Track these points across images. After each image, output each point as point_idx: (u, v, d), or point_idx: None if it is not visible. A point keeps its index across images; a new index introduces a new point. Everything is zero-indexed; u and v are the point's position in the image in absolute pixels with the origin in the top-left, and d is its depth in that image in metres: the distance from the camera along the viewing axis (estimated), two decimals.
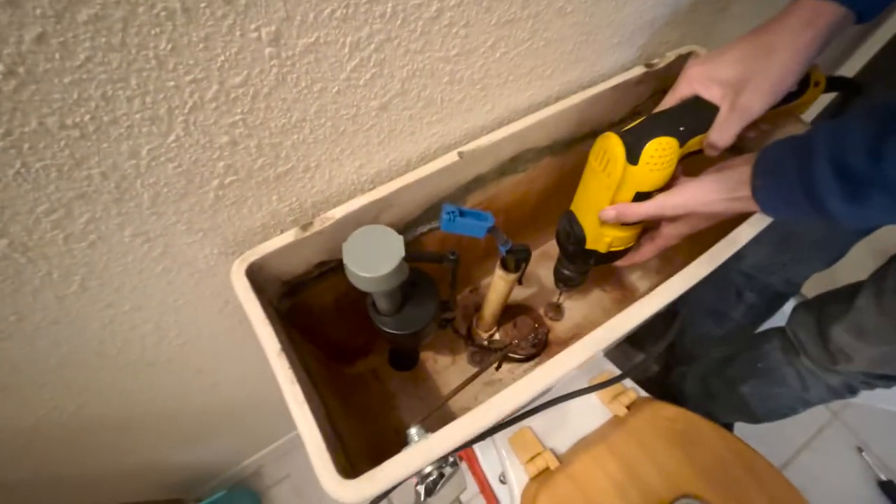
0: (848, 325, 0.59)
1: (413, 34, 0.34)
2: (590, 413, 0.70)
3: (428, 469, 0.34)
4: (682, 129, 0.40)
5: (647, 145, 0.39)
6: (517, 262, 0.51)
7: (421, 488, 0.34)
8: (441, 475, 0.35)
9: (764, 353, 0.75)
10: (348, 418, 0.52)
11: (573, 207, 0.50)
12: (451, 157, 0.45)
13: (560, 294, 0.70)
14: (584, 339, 0.38)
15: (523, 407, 0.59)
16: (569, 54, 0.48)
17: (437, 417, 0.59)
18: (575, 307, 0.78)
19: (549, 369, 0.37)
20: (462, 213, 0.44)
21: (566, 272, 0.58)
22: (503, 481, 0.74)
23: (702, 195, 0.39)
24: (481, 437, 0.57)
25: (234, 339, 0.52)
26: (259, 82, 0.30)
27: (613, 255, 0.51)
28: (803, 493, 0.56)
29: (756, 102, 0.38)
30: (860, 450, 1.07)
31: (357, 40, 0.32)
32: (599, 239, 0.48)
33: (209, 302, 0.45)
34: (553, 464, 0.65)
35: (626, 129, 0.41)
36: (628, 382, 0.73)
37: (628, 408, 0.69)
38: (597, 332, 0.39)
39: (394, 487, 0.32)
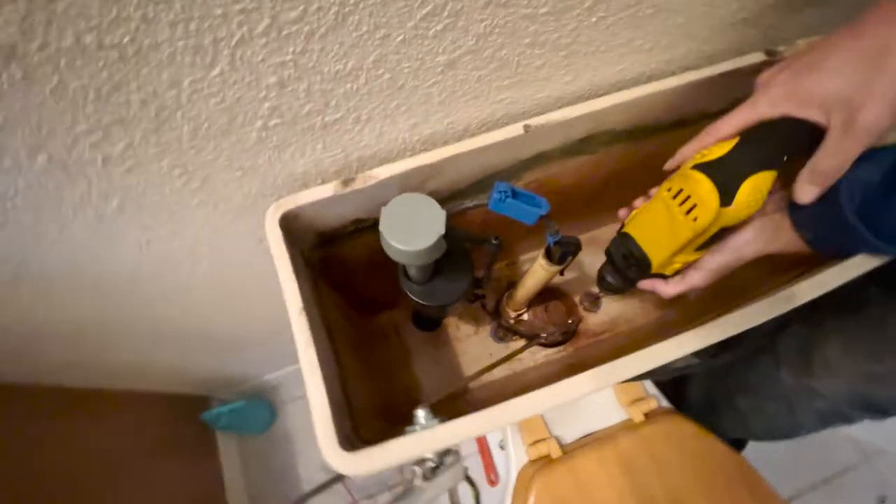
0: (843, 336, 0.54)
1: None
2: (604, 410, 0.68)
3: (428, 455, 0.33)
4: (786, 158, 0.33)
5: (745, 183, 0.33)
6: (563, 254, 0.48)
7: (418, 470, 0.34)
8: (441, 463, 0.34)
9: (755, 364, 0.71)
10: (363, 373, 0.52)
11: (632, 231, 0.44)
12: (516, 130, 0.40)
13: (600, 293, 0.66)
14: (621, 361, 0.35)
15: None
16: (678, 28, 0.40)
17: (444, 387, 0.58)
18: (613, 301, 0.74)
19: (578, 384, 0.34)
20: (515, 194, 0.40)
21: (612, 281, 0.53)
22: (503, 448, 0.75)
23: (744, 249, 0.38)
24: None
25: (265, 275, 0.52)
26: (316, 21, 0.26)
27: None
28: None
29: (885, 117, 0.31)
30: (882, 501, 1.01)
31: None
32: (668, 266, 0.43)
33: (244, 239, 0.45)
34: (556, 453, 0.64)
35: (713, 159, 0.34)
36: (651, 389, 0.70)
37: (646, 415, 0.66)
38: (631, 358, 0.35)
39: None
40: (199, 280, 0.49)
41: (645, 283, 0.48)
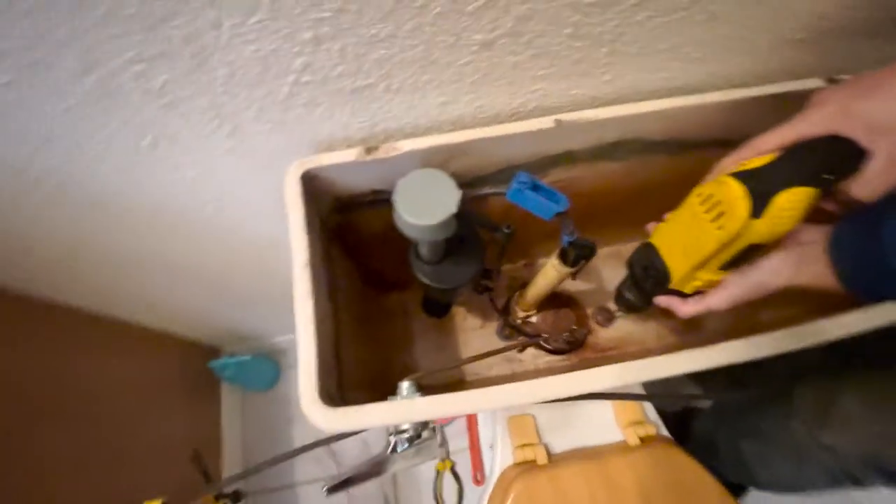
0: (863, 391, 0.51)
1: None
2: (599, 427, 0.67)
3: (405, 426, 0.34)
4: (826, 176, 0.32)
5: (779, 195, 0.31)
6: (577, 257, 0.47)
7: (393, 439, 0.34)
8: (418, 436, 0.35)
9: (767, 410, 0.67)
10: (361, 343, 0.53)
11: (656, 241, 0.43)
12: (547, 123, 0.40)
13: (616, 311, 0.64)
14: (622, 365, 0.34)
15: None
16: (732, 40, 0.39)
17: (438, 377, 0.58)
18: (627, 321, 0.72)
19: (564, 383, 0.34)
20: (535, 188, 0.40)
21: (630, 298, 0.51)
22: (493, 448, 0.74)
23: (770, 275, 0.36)
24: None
25: (283, 233, 0.54)
26: None
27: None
28: None
29: None
30: None
31: None
32: (689, 283, 0.41)
33: (268, 192, 0.46)
34: (542, 459, 0.63)
35: (750, 168, 0.33)
36: (652, 414, 0.68)
37: (642, 440, 0.64)
38: (640, 363, 0.34)
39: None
40: (221, 227, 0.51)
41: (662, 300, 0.46)
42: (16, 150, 0.34)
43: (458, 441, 1.06)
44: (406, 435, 0.34)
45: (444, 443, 1.13)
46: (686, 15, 0.35)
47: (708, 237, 0.36)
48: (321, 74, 0.33)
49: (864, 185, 0.31)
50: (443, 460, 1.03)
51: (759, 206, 0.32)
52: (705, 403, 1.03)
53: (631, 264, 0.48)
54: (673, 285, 0.43)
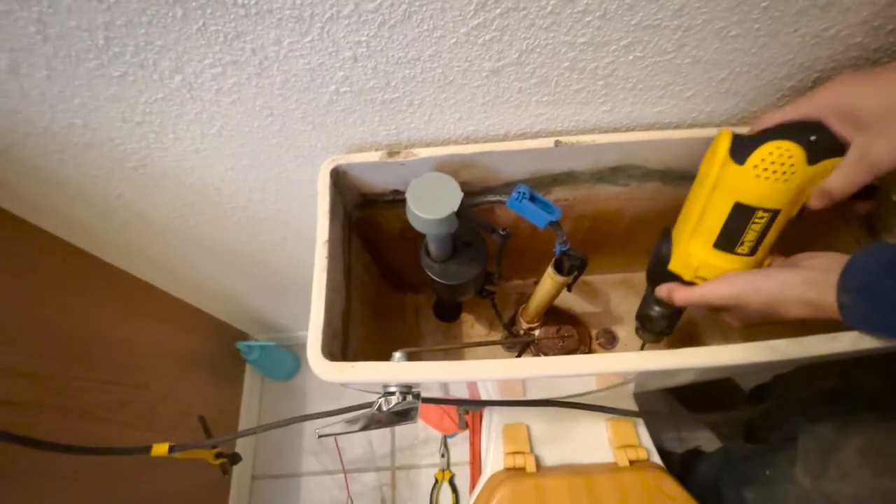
0: (864, 443, 0.50)
1: (542, 10, 0.35)
2: (591, 445, 0.68)
3: (393, 388, 0.39)
4: (813, 139, 0.33)
5: (763, 146, 0.33)
6: (571, 267, 0.51)
7: (381, 399, 0.39)
8: (403, 398, 0.39)
9: (772, 457, 0.65)
10: (370, 329, 0.58)
11: (673, 225, 0.45)
12: (548, 143, 0.45)
13: (643, 344, 0.60)
14: (613, 356, 0.37)
15: (517, 396, 0.60)
16: (720, 82, 0.43)
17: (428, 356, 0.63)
18: (631, 345, 0.74)
19: (546, 364, 0.37)
20: (532, 198, 0.45)
21: (650, 312, 0.51)
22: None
23: (775, 289, 0.34)
24: (468, 402, 0.60)
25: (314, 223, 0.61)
26: (388, 13, 0.34)
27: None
28: None
29: (887, 157, 0.30)
30: None
31: (484, 1, 0.34)
32: (685, 261, 0.43)
33: (304, 185, 0.54)
34: (531, 468, 0.65)
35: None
36: (645, 439, 0.69)
37: (632, 462, 0.65)
38: (632, 355, 0.37)
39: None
40: (262, 213, 0.59)
41: (662, 288, 0.45)
42: (118, 127, 0.43)
43: (459, 454, 1.08)
44: (395, 399, 0.39)
45: (445, 453, 1.14)
46: (672, 58, 0.40)
47: (696, 191, 0.38)
48: (357, 87, 0.40)
49: (836, 179, 0.33)
50: (442, 470, 1.06)
51: (741, 152, 0.34)
52: (711, 443, 1.01)
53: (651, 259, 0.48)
54: (672, 266, 0.44)
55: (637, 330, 0.57)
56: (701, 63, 0.40)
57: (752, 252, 0.40)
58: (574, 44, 0.38)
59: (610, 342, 0.74)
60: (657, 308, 0.51)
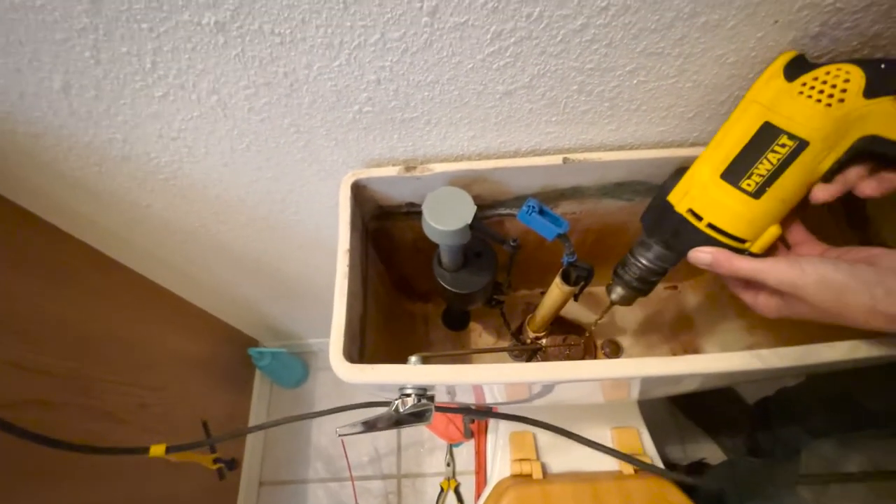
0: (866, 461, 0.51)
1: (553, 39, 0.37)
2: (596, 454, 0.70)
3: (409, 390, 0.41)
4: (883, 67, 0.28)
5: (823, 66, 0.29)
6: (578, 277, 0.53)
7: (398, 401, 0.41)
8: (419, 399, 0.41)
9: (777, 470, 0.66)
10: (383, 336, 0.61)
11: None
12: (556, 160, 0.48)
13: (608, 307, 0.52)
14: (620, 361, 0.39)
15: (524, 406, 0.61)
16: (720, 105, 0.46)
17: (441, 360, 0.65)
18: (635, 354, 0.75)
19: (559, 368, 0.39)
20: (541, 212, 0.47)
21: (638, 261, 0.44)
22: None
23: (838, 291, 0.29)
24: (477, 412, 0.62)
25: (333, 235, 0.64)
26: (411, 41, 0.37)
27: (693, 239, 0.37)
28: None
29: None
30: None
31: (500, 31, 0.36)
32: (684, 187, 0.36)
33: (324, 197, 0.56)
34: (537, 475, 0.67)
35: None
36: (649, 446, 0.70)
37: (636, 471, 0.67)
38: (632, 361, 0.38)
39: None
40: (282, 223, 0.62)
41: (702, 251, 0.37)
42: (154, 142, 0.46)
43: (463, 463, 1.09)
44: (410, 400, 0.41)
45: (451, 462, 1.15)
46: (675, 82, 0.43)
47: (732, 115, 0.34)
48: (379, 106, 0.43)
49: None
50: (448, 479, 1.06)
51: (798, 70, 0.30)
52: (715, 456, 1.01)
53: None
54: (671, 197, 0.38)
55: (609, 286, 0.49)
56: (701, 87, 0.43)
57: (757, 194, 0.33)
58: (582, 69, 0.41)
59: (614, 352, 0.75)
60: (644, 262, 0.44)
